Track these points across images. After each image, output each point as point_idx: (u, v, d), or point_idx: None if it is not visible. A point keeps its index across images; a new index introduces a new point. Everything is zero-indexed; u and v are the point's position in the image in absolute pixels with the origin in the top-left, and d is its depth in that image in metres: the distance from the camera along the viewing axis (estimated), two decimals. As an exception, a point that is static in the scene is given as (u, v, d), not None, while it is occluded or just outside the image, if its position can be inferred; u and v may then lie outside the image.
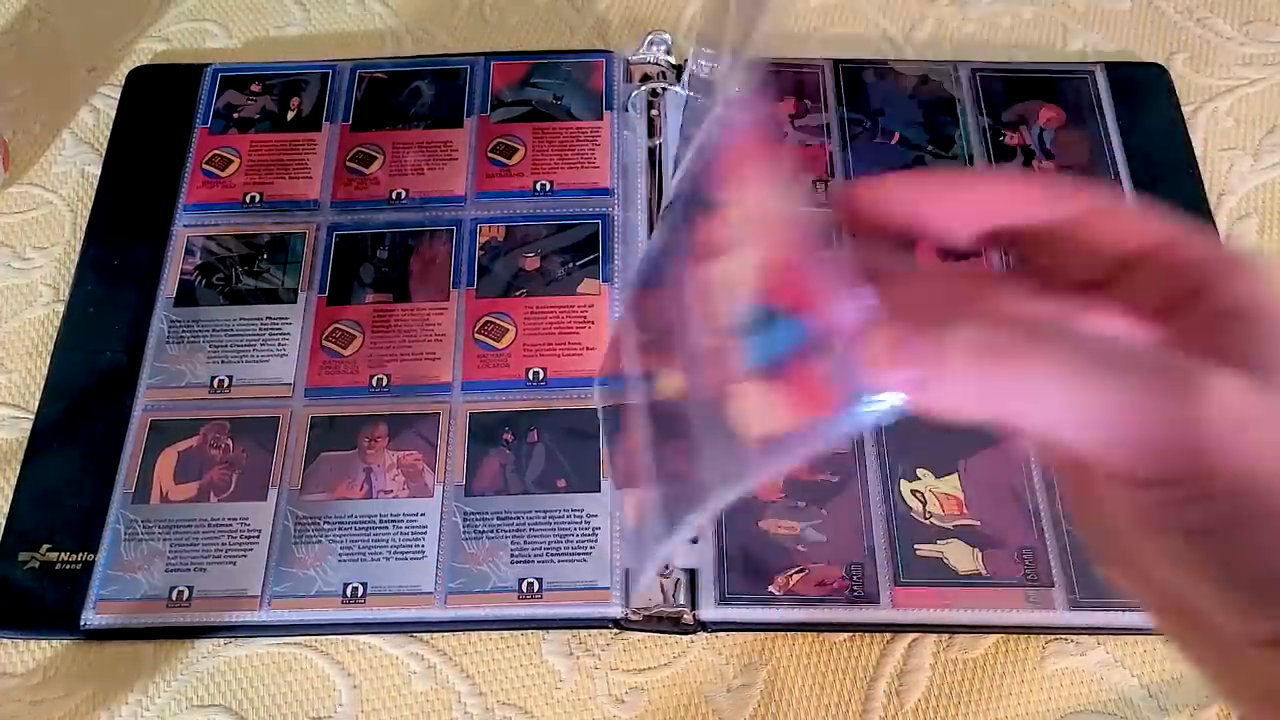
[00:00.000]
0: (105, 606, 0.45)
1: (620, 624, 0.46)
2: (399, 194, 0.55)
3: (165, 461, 0.48)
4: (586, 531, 0.46)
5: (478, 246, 0.54)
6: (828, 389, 0.20)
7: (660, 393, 0.28)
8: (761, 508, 0.47)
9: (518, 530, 0.46)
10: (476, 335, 0.51)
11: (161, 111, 0.59)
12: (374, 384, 0.50)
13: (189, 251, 0.54)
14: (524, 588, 0.45)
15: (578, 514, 0.47)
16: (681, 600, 0.45)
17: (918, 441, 0.48)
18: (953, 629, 0.46)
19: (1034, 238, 0.23)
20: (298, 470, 0.48)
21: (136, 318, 0.52)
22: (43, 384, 0.51)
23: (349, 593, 0.45)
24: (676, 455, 0.26)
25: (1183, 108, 0.59)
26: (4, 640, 0.46)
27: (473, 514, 0.47)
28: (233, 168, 0.56)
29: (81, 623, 0.45)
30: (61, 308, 0.54)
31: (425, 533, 0.47)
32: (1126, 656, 0.46)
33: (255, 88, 0.59)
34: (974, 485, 0.47)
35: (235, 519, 0.47)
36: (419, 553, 0.46)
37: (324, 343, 0.51)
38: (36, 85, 0.62)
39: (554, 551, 0.46)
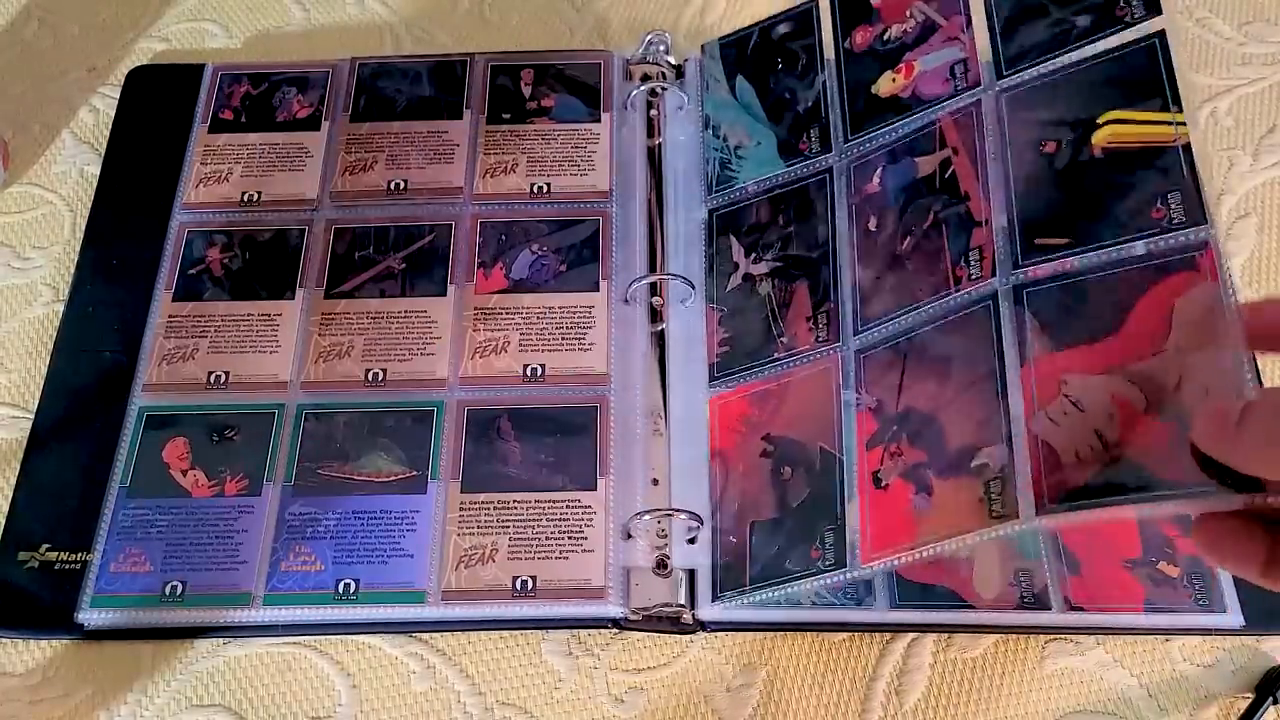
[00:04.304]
0: (101, 603, 0.45)
1: (620, 624, 0.46)
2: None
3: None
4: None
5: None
6: None
7: None
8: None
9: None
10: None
11: (161, 111, 0.59)
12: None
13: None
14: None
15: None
16: (681, 600, 0.45)
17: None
18: (952, 629, 0.46)
19: None
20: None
21: (136, 317, 0.52)
22: (42, 383, 0.51)
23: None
24: None
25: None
26: (3, 640, 0.47)
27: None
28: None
29: (80, 622, 0.45)
30: (61, 307, 0.54)
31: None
32: (1126, 656, 0.46)
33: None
34: None
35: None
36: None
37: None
38: (36, 85, 0.62)
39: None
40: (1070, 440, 0.36)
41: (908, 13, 0.52)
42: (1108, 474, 0.35)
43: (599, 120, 0.58)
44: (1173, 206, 0.40)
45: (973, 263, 0.44)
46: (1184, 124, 0.41)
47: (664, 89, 0.58)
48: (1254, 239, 0.56)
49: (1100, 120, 0.43)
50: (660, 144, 0.57)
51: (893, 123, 0.50)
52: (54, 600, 0.46)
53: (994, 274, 0.43)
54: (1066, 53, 0.45)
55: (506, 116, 0.58)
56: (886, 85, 0.51)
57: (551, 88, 0.59)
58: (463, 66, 0.60)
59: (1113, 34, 0.44)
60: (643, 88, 0.58)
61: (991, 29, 0.48)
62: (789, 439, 0.46)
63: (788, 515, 0.45)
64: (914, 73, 0.51)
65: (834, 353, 0.47)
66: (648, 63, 0.59)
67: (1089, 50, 0.45)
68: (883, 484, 0.42)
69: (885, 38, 0.53)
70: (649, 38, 0.60)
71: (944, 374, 0.42)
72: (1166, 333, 0.36)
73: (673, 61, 0.60)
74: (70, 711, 0.45)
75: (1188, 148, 0.40)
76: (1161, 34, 0.43)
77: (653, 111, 0.58)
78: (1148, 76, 0.43)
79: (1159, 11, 0.44)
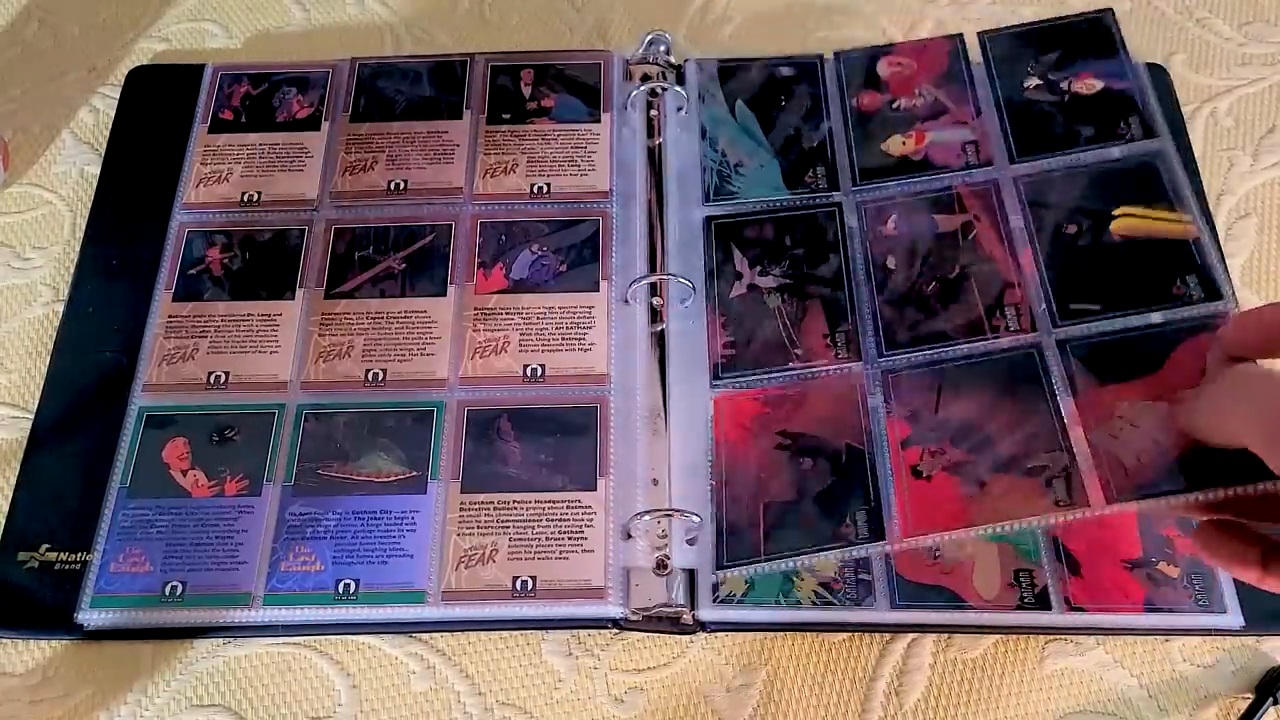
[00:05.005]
0: (101, 603, 0.45)
1: (620, 624, 0.46)
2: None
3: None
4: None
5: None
6: None
7: None
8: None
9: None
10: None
11: (161, 111, 0.59)
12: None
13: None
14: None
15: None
16: (681, 600, 0.45)
17: None
18: (952, 629, 0.46)
19: None
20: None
21: (136, 317, 0.52)
22: (42, 383, 0.51)
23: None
24: None
25: (1182, 108, 0.59)
26: (3, 640, 0.47)
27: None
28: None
29: (80, 623, 0.45)
30: (61, 308, 0.54)
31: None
32: (1125, 656, 0.46)
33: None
34: None
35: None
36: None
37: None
38: (36, 85, 0.62)
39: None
40: (1130, 447, 0.40)
41: (916, 91, 0.55)
42: (1169, 470, 0.38)
43: (599, 120, 0.58)
44: (1191, 285, 0.45)
45: (1009, 317, 0.47)
46: (1192, 222, 0.47)
47: (664, 89, 0.58)
48: (1254, 239, 0.56)
49: (1115, 213, 0.48)
50: (660, 144, 0.57)
51: (905, 179, 0.53)
52: (54, 600, 0.46)
53: (1034, 330, 0.46)
54: (1074, 154, 0.51)
55: (506, 116, 0.58)
56: (897, 147, 0.54)
57: (551, 88, 0.59)
58: (463, 66, 0.60)
59: (1114, 146, 0.50)
60: (643, 88, 0.58)
61: (1002, 123, 0.53)
62: (809, 435, 0.47)
63: (809, 499, 0.45)
64: (925, 140, 0.54)
65: (858, 369, 0.48)
66: (648, 63, 0.59)
67: (1094, 155, 0.50)
68: (924, 475, 0.44)
69: (894, 106, 0.55)
70: (649, 38, 0.60)
71: (987, 399, 0.45)
72: (1203, 370, 0.41)
73: (673, 62, 0.60)
74: (70, 711, 0.45)
75: (1198, 240, 0.46)
76: (1162, 153, 0.49)
77: (653, 111, 0.58)
78: (1154, 184, 0.49)
79: (1155, 136, 0.50)
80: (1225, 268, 0.52)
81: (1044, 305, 0.47)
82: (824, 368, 0.48)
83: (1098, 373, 0.44)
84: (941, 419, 0.45)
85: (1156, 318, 0.44)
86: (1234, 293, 0.44)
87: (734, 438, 0.48)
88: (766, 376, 0.49)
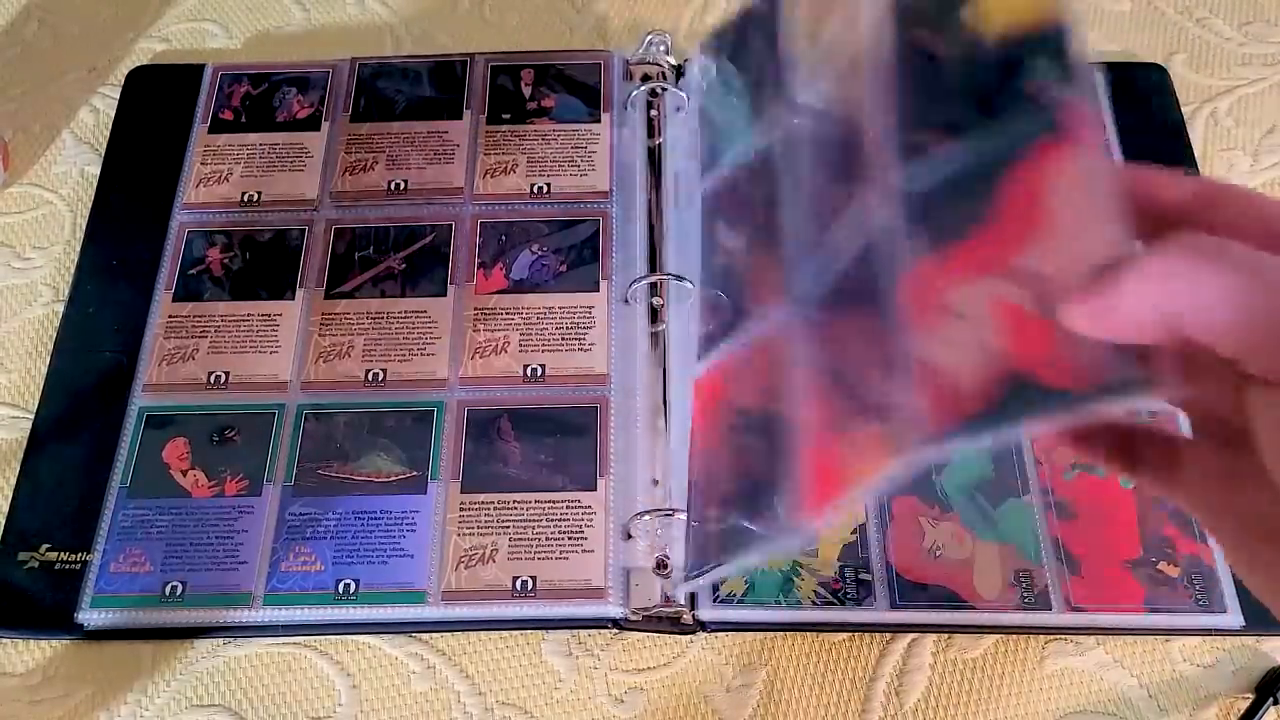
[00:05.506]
0: (101, 603, 0.45)
1: (620, 624, 0.46)
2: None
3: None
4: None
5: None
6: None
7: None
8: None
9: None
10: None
11: (161, 111, 0.59)
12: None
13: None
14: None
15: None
16: (681, 600, 0.45)
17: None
18: (952, 629, 0.46)
19: None
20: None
21: (136, 317, 0.52)
22: (42, 383, 0.51)
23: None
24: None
25: (1182, 108, 0.59)
26: (4, 640, 0.47)
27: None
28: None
29: (80, 622, 0.45)
30: (61, 308, 0.54)
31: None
32: (1125, 657, 0.46)
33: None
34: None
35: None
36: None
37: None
38: (36, 85, 0.62)
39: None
40: (960, 357, 0.30)
41: None
42: (1003, 396, 0.29)
43: (599, 120, 0.58)
44: (1044, 75, 0.31)
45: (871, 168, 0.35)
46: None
47: (664, 89, 0.58)
48: (1254, 239, 0.56)
49: None
50: (660, 144, 0.57)
51: None
52: (54, 600, 0.46)
53: (885, 185, 0.34)
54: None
55: (506, 116, 0.58)
56: None
57: (551, 88, 0.59)
58: (463, 66, 0.60)
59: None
60: (643, 88, 0.58)
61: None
62: (755, 410, 0.43)
63: (747, 488, 0.40)
64: None
65: (785, 316, 0.40)
66: (648, 63, 0.59)
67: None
68: (818, 443, 0.36)
69: None
70: (649, 38, 0.60)
71: (851, 317, 0.36)
72: (1044, 221, 0.29)
73: (673, 62, 0.60)
74: (70, 711, 0.45)
75: (1068, 23, 0.31)
76: None
77: (653, 111, 0.58)
78: None
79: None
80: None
81: (893, 151, 0.34)
82: (766, 319, 0.41)
83: (932, 234, 0.32)
84: (832, 365, 0.37)
85: (995, 129, 0.31)
86: (1091, 78, 0.29)
87: (700, 425, 0.45)
88: (725, 341, 0.43)
